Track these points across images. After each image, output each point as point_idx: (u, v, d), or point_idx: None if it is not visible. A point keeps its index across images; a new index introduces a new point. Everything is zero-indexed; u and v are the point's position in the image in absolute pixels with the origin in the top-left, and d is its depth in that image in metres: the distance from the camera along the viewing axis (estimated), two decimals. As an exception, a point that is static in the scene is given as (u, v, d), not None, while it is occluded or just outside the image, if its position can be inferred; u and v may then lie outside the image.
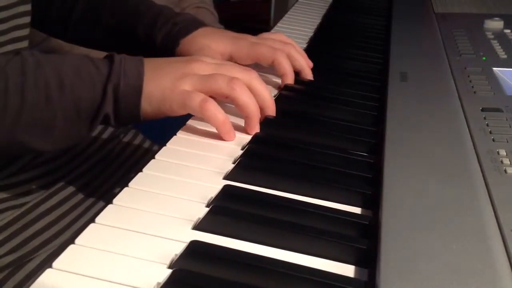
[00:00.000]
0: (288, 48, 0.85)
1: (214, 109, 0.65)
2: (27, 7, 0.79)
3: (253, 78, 0.70)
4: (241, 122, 0.70)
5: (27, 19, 0.79)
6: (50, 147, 0.66)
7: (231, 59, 0.82)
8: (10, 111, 0.61)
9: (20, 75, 0.62)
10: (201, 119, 0.69)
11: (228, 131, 0.67)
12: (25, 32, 0.79)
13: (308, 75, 0.87)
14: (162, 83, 0.66)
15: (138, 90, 0.65)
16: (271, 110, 0.72)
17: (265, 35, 0.89)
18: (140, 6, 0.88)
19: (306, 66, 0.87)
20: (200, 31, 0.84)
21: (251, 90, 0.69)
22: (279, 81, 0.85)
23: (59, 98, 0.62)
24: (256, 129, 0.69)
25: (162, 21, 0.85)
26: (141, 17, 0.86)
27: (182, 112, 0.66)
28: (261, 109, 0.70)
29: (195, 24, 0.85)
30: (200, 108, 0.65)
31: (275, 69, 0.84)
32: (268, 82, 0.85)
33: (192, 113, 0.67)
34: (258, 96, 0.69)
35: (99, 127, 0.91)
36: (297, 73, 0.86)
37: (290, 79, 0.83)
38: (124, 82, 0.64)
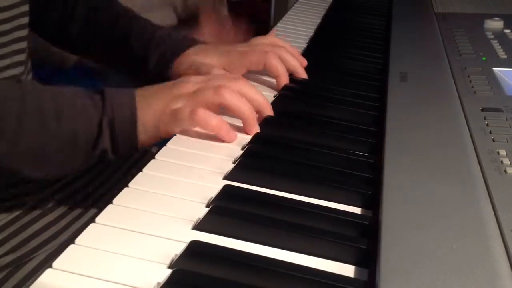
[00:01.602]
0: (279, 50, 0.85)
1: (205, 116, 0.65)
2: (26, 8, 0.79)
3: (241, 85, 0.69)
4: (240, 122, 0.70)
5: (27, 19, 0.79)
6: (42, 176, 0.67)
7: (227, 71, 0.82)
8: (8, 137, 0.61)
9: (19, 102, 0.62)
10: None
11: (226, 133, 0.67)
12: (25, 32, 0.79)
13: (302, 74, 0.87)
14: (154, 108, 0.66)
15: (133, 122, 0.65)
16: (268, 111, 0.72)
17: (255, 40, 0.89)
18: (134, 27, 0.88)
19: (298, 67, 0.87)
20: (193, 49, 0.84)
21: (243, 95, 0.69)
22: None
23: (56, 128, 0.63)
24: (255, 129, 0.69)
25: (155, 43, 0.85)
26: (135, 39, 0.87)
27: (177, 130, 0.66)
28: (258, 112, 0.70)
29: (188, 42, 0.86)
30: (190, 118, 0.65)
31: (268, 71, 0.84)
32: (270, 85, 0.85)
33: (186, 127, 0.67)
34: (252, 101, 0.69)
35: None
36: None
37: (284, 80, 0.83)
38: (118, 116, 0.64)
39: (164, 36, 0.87)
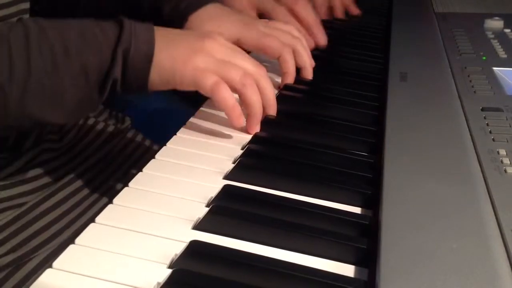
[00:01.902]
0: (296, 42, 0.84)
1: (226, 93, 0.65)
2: (26, 5, 0.79)
3: (262, 76, 0.69)
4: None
5: (27, 17, 0.79)
6: (63, 119, 0.65)
7: (237, 44, 0.79)
8: (16, 79, 0.59)
9: (24, 42, 0.60)
10: (201, 119, 0.69)
11: (238, 116, 0.66)
12: None
13: (309, 74, 0.87)
14: (174, 54, 0.64)
15: (149, 58, 0.63)
16: (273, 110, 0.72)
17: (275, 24, 0.87)
18: None
19: (308, 65, 0.87)
20: (210, 8, 0.82)
21: (258, 87, 0.68)
22: (278, 80, 0.85)
23: (65, 63, 0.61)
24: (257, 128, 0.69)
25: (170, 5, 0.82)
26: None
27: (191, 88, 0.65)
28: (263, 108, 0.70)
29: None
30: (212, 90, 0.64)
31: (279, 65, 0.84)
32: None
33: (202, 92, 0.66)
34: (264, 95, 0.69)
35: (98, 128, 0.92)
36: (297, 72, 0.86)
37: (290, 79, 0.83)
38: (135, 48, 0.63)
39: None
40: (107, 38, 0.63)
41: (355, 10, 1.23)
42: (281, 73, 0.84)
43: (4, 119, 0.62)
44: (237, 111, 0.66)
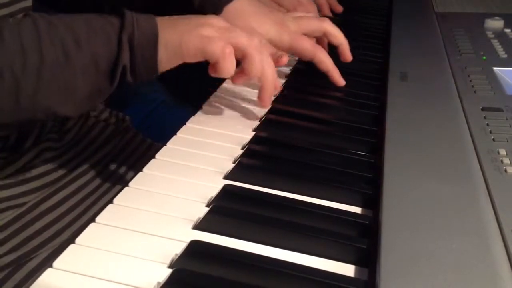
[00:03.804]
0: (326, 25, 0.86)
1: (233, 60, 0.65)
2: (27, 3, 0.78)
3: (266, 51, 0.69)
4: (241, 119, 0.70)
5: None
6: (74, 111, 0.65)
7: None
8: (30, 70, 0.59)
9: (35, 35, 0.60)
10: (201, 119, 0.69)
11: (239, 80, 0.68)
12: None
13: (348, 52, 0.88)
14: (179, 28, 0.65)
15: (154, 37, 0.64)
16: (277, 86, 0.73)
17: (300, 15, 0.88)
18: None
19: (344, 41, 0.88)
20: (243, 1, 0.81)
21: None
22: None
23: (76, 54, 0.61)
24: (268, 103, 0.69)
25: None
26: None
27: (199, 57, 0.65)
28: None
29: None
30: (222, 54, 0.64)
31: (317, 66, 0.84)
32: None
33: (209, 59, 0.65)
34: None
35: (98, 128, 0.92)
36: (301, 74, 0.86)
37: (336, 75, 0.84)
38: (139, 32, 0.63)
39: None
40: (112, 27, 0.63)
41: (338, 8, 1.25)
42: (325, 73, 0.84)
43: (18, 111, 0.62)
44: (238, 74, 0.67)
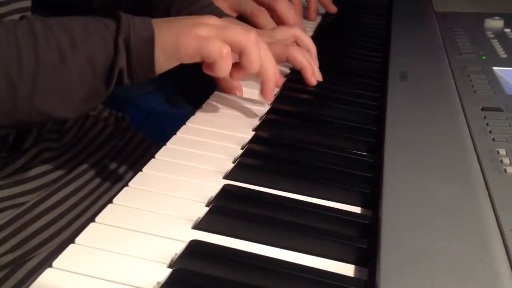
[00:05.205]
0: (301, 49, 0.86)
1: (230, 60, 0.65)
2: (27, 3, 0.78)
3: (265, 44, 0.70)
4: (241, 119, 0.70)
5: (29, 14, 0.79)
6: (70, 113, 0.65)
7: None
8: (26, 73, 0.59)
9: (31, 37, 0.60)
10: (201, 119, 0.69)
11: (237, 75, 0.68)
12: None
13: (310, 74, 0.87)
14: (175, 29, 0.65)
15: (150, 39, 0.64)
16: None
17: (281, 30, 0.89)
18: None
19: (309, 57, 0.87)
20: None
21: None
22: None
23: (73, 57, 0.61)
24: (271, 96, 0.69)
25: (176, 8, 0.83)
26: (155, 4, 0.84)
27: (196, 58, 0.65)
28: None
29: (213, 14, 0.82)
30: (220, 54, 0.64)
31: (292, 65, 0.84)
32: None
33: (206, 60, 0.65)
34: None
35: (98, 127, 0.91)
36: (297, 72, 0.86)
37: (308, 72, 0.84)
38: (135, 34, 0.63)
39: (188, 3, 0.84)
40: (109, 30, 0.63)
41: (332, 9, 1.26)
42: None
43: (14, 114, 0.62)
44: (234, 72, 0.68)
